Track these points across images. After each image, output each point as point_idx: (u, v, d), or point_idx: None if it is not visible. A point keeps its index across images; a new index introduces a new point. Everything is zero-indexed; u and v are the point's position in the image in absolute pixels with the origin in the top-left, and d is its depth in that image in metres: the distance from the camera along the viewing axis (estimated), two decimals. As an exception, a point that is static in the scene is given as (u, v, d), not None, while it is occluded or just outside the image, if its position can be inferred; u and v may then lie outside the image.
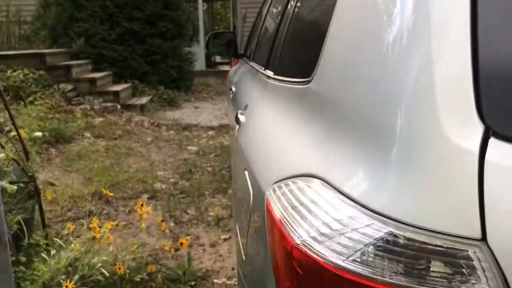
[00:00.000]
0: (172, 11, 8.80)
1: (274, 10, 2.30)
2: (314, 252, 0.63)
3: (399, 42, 0.67)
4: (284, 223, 0.72)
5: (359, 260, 0.59)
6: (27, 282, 2.23)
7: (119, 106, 6.87)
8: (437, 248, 0.55)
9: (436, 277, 0.55)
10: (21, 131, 2.67)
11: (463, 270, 0.54)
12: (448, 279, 0.55)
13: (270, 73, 1.58)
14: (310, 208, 0.69)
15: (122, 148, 5.27)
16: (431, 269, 0.55)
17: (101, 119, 6.19)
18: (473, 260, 0.53)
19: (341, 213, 0.64)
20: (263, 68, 1.82)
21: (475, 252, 0.53)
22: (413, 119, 0.62)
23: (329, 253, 0.61)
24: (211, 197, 3.92)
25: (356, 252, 0.59)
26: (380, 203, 0.60)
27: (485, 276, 0.53)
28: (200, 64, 12.61)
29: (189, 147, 5.59)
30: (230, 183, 4.20)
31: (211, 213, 3.57)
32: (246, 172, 1.17)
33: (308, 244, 0.64)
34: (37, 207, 2.80)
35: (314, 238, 0.64)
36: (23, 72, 6.20)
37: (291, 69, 1.29)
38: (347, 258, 0.59)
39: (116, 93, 7.19)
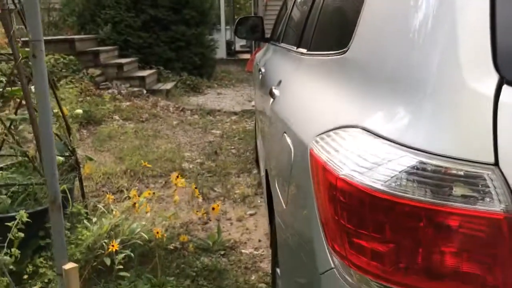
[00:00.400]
0: (195, -2, 8.94)
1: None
2: (355, 180, 0.77)
3: (428, 12, 0.80)
4: (328, 162, 0.86)
5: (393, 184, 0.73)
6: (72, 245, 2.43)
7: (145, 91, 7.08)
8: (459, 172, 0.69)
9: (457, 195, 0.69)
10: (64, 108, 2.86)
11: (479, 188, 0.68)
12: (467, 196, 0.68)
13: (303, 50, 1.72)
14: (351, 149, 0.83)
15: (150, 131, 5.47)
16: (453, 189, 0.69)
17: (128, 103, 6.40)
18: (487, 180, 0.67)
19: (378, 150, 0.78)
20: (295, 47, 1.96)
21: (488, 174, 0.67)
22: (443, 73, 0.75)
23: (368, 180, 0.75)
24: (236, 177, 4.09)
25: (391, 177, 0.73)
26: (412, 139, 0.74)
27: (497, 193, 0.67)
28: (221, 52, 12.76)
29: (213, 131, 5.76)
30: (254, 164, 4.36)
31: (237, 191, 3.73)
32: (285, 135, 1.32)
33: (351, 175, 0.79)
34: (76, 180, 3.00)
35: (355, 170, 0.79)
36: (54, 57, 6.42)
37: (326, 45, 1.42)
38: (384, 182, 0.73)
39: (142, 79, 7.39)
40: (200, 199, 3.58)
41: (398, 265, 0.74)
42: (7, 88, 2.49)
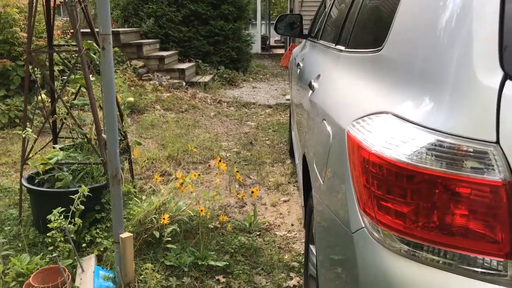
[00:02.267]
0: (234, -6, 9.19)
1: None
2: (385, 155, 0.96)
3: (450, 21, 0.98)
4: (363, 141, 1.05)
5: (415, 157, 0.91)
6: (124, 220, 2.69)
7: (184, 83, 7.37)
8: (469, 148, 0.86)
9: (468, 167, 0.87)
10: (118, 95, 3.13)
11: (485, 161, 0.85)
12: (475, 168, 0.86)
13: (341, 47, 1.90)
14: (382, 130, 1.02)
15: (189, 121, 5.74)
16: (464, 162, 0.87)
17: (168, 94, 6.70)
18: (490, 155, 0.85)
19: (405, 131, 0.96)
20: (333, 45, 2.14)
21: (491, 150, 0.85)
22: (459, 69, 0.92)
23: (395, 154, 0.94)
24: (270, 166, 4.29)
25: (414, 152, 0.92)
26: (433, 122, 0.92)
27: (497, 165, 0.84)
28: (256, 46, 12.98)
29: (249, 122, 5.98)
30: (287, 155, 4.56)
31: (271, 179, 3.94)
32: (324, 121, 1.51)
33: (381, 151, 0.97)
34: (126, 162, 3.28)
35: (384, 147, 0.97)
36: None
37: (363, 43, 1.60)
38: (408, 156, 0.92)
39: (182, 71, 7.69)
40: (238, 185, 3.81)
41: (417, 223, 0.93)
42: (71, 76, 2.77)
